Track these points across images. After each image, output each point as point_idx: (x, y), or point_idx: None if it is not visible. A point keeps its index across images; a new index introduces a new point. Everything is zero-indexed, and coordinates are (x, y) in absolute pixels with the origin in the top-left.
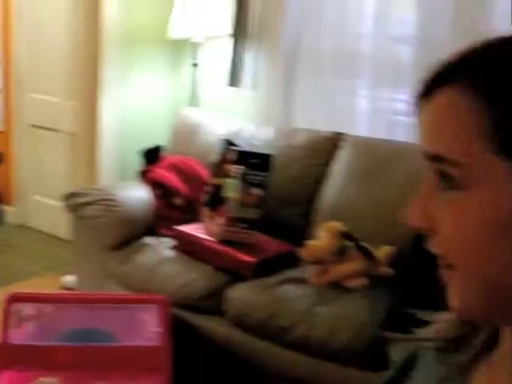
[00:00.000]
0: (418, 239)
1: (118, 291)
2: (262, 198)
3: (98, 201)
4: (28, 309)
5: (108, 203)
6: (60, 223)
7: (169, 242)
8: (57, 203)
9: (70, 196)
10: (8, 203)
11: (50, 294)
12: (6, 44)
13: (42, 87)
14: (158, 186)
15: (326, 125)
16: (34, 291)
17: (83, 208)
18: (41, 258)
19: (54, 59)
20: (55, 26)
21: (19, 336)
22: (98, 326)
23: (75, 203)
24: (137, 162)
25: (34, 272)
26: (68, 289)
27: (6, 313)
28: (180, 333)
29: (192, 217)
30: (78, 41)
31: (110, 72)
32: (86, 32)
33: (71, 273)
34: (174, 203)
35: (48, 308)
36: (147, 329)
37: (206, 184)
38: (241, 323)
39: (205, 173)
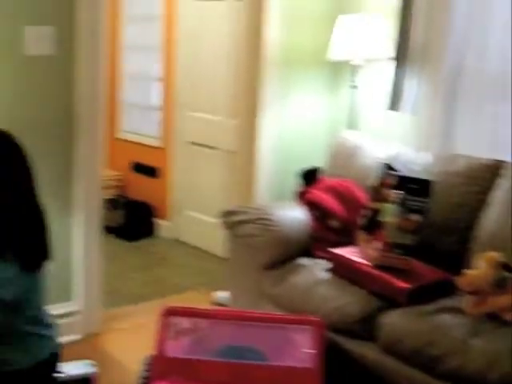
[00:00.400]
0: None
1: (269, 310)
2: (419, 224)
3: (255, 220)
4: (184, 322)
5: (265, 222)
6: (213, 239)
7: (323, 263)
8: (211, 219)
9: (228, 214)
10: (163, 217)
11: (206, 309)
12: (168, 62)
13: (202, 106)
14: (315, 207)
15: (486, 151)
16: (186, 305)
17: (240, 226)
18: (193, 273)
19: (216, 78)
20: (217, 46)
21: (175, 349)
22: (251, 344)
23: (232, 221)
24: (293, 182)
25: (186, 286)
26: (220, 305)
27: (163, 325)
28: (331, 356)
29: (347, 240)
30: (240, 61)
31: (270, 92)
32: (248, 52)
33: (224, 289)
34: (330, 225)
35: (203, 323)
36: (299, 350)
37: (364, 207)
38: (393, 350)
39: (362, 196)
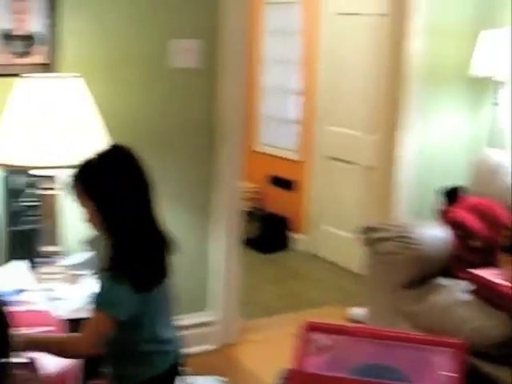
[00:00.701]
0: None
1: (406, 329)
2: None
3: (395, 237)
4: (323, 338)
5: (405, 240)
6: (349, 255)
7: (464, 284)
8: (348, 235)
9: (368, 230)
10: (297, 231)
11: (346, 326)
12: (308, 76)
13: (341, 120)
14: (457, 226)
15: None
16: (322, 320)
17: (380, 243)
18: (329, 288)
19: (356, 93)
20: (358, 60)
21: (312, 364)
22: (388, 363)
23: (372, 238)
24: (432, 199)
25: (322, 301)
26: (356, 321)
27: (303, 340)
28: (471, 380)
29: (489, 261)
30: (380, 75)
31: (412, 107)
32: (389, 66)
33: (359, 305)
34: (472, 245)
35: (342, 340)
36: (438, 372)
37: (506, 228)
38: None
39: (505, 216)
